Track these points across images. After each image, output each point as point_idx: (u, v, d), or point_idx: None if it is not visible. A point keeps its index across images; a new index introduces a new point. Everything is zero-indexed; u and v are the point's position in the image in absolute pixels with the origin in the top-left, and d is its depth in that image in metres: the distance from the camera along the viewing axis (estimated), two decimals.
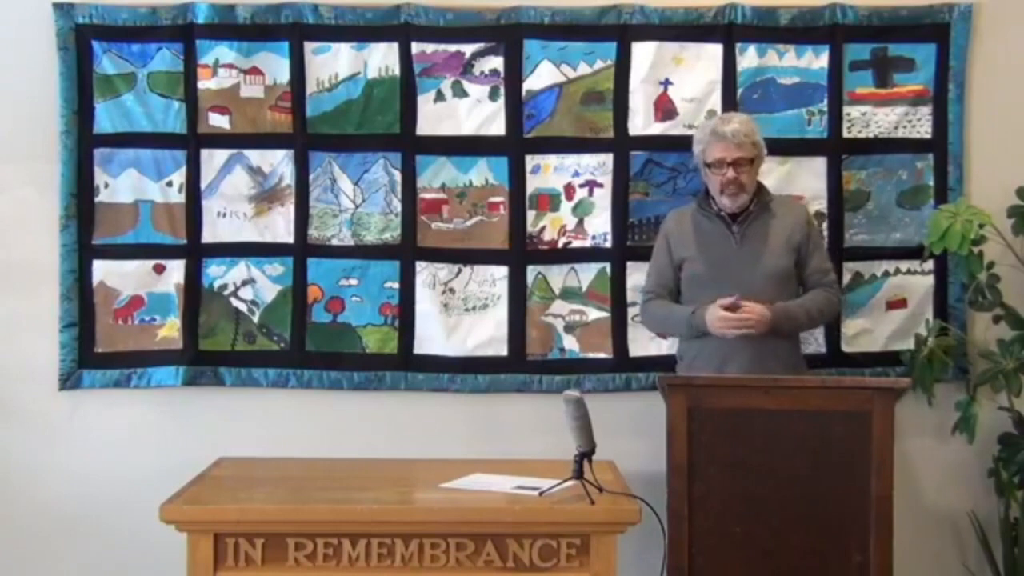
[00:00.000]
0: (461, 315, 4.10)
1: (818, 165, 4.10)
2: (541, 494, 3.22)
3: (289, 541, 3.13)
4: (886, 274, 4.12)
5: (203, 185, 4.07)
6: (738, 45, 4.08)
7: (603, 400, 3.88)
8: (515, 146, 4.09)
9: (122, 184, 4.05)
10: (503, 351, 4.09)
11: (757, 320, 3.55)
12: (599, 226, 4.10)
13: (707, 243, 3.73)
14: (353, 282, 4.09)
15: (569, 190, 4.11)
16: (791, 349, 3.73)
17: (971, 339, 4.06)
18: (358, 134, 4.08)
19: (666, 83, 4.09)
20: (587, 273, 4.11)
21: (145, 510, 3.25)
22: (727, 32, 4.08)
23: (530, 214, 4.10)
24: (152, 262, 4.06)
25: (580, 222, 4.11)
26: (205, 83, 4.05)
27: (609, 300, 4.09)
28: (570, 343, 4.11)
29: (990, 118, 4.12)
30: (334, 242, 4.09)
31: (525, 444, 3.99)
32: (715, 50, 4.09)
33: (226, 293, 4.08)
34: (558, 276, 4.11)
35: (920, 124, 4.12)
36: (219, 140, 4.07)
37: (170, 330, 4.06)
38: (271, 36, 4.06)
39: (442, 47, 4.08)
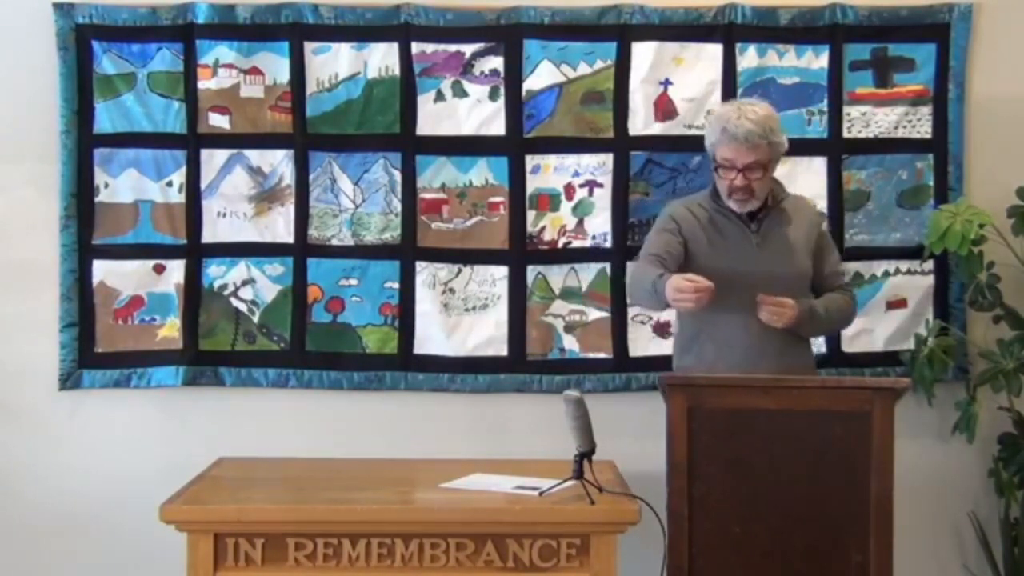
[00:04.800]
0: (461, 315, 4.10)
1: (818, 165, 4.11)
2: (541, 494, 3.22)
3: (289, 541, 3.13)
4: (886, 274, 4.12)
5: (203, 185, 4.07)
6: (738, 45, 4.08)
7: (603, 400, 3.88)
8: (515, 146, 4.09)
9: (122, 184, 4.05)
10: (503, 351, 4.09)
11: (790, 313, 3.35)
12: (599, 226, 4.10)
13: (725, 244, 3.47)
14: (353, 282, 4.09)
15: (569, 190, 4.11)
16: (809, 356, 3.58)
17: (971, 339, 4.06)
18: (358, 134, 4.08)
19: (666, 83, 4.09)
20: (587, 273, 4.11)
21: (145, 510, 3.25)
22: (727, 32, 4.08)
23: (530, 214, 4.10)
24: (152, 262, 4.06)
25: (580, 222, 4.11)
26: (205, 83, 4.05)
27: (609, 300, 4.09)
28: (570, 343, 4.11)
29: (990, 118, 4.12)
30: (334, 242, 4.09)
31: (525, 444, 3.99)
32: (715, 50, 4.09)
33: (226, 293, 4.08)
34: (558, 276, 4.11)
35: (920, 124, 4.12)
36: (219, 140, 4.06)
37: (170, 330, 4.06)
38: (271, 36, 4.05)
39: (442, 47, 4.08)
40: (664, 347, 4.07)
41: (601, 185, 4.10)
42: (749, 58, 4.09)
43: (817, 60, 4.10)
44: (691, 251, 3.48)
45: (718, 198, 3.51)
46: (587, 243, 4.10)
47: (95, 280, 4.04)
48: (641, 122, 4.09)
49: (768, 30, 4.08)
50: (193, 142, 4.06)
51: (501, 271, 4.09)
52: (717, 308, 3.35)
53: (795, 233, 3.52)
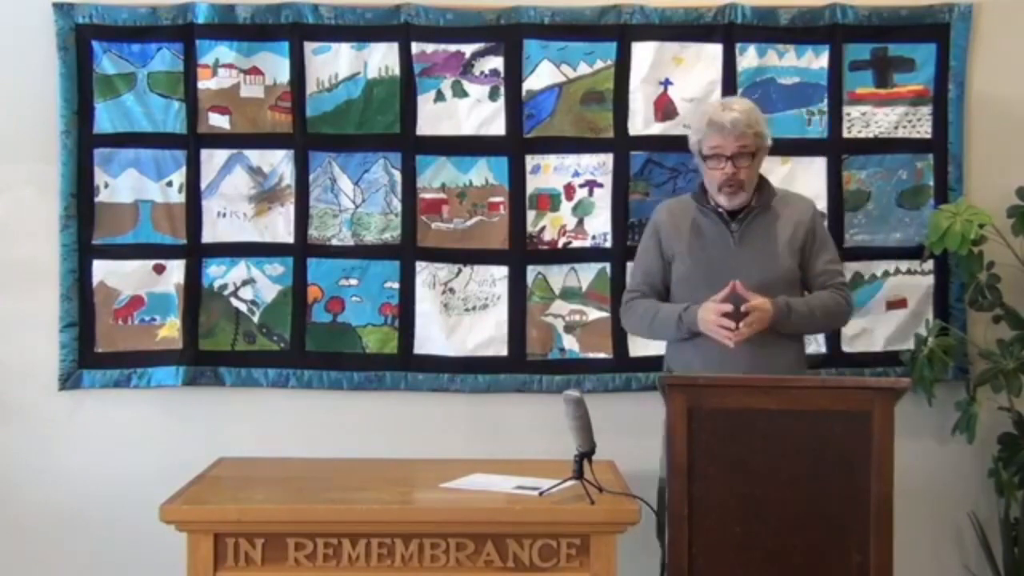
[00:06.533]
0: (461, 315, 4.10)
1: (818, 165, 4.10)
2: (541, 494, 3.22)
3: (289, 541, 3.13)
4: (886, 274, 4.12)
5: (203, 185, 4.07)
6: (738, 45, 4.08)
7: (603, 400, 3.88)
8: (515, 146, 4.09)
9: (122, 184, 4.06)
10: (503, 351, 4.09)
11: (759, 316, 3.36)
12: (599, 226, 4.10)
13: (702, 241, 3.52)
14: (353, 282, 4.09)
15: (569, 190, 4.11)
16: (795, 353, 3.53)
17: (971, 339, 4.06)
18: (358, 134, 4.08)
19: (666, 83, 4.09)
20: (587, 273, 4.11)
21: (145, 510, 3.25)
22: (727, 32, 4.08)
23: (530, 214, 4.10)
24: (152, 262, 4.06)
25: (580, 222, 4.11)
26: (205, 83, 4.05)
27: (609, 300, 4.09)
28: (570, 343, 4.11)
29: (990, 118, 4.12)
30: (334, 242, 4.09)
31: (525, 444, 3.99)
32: (715, 50, 4.09)
33: (226, 293, 4.08)
34: (558, 276, 4.11)
35: (920, 124, 4.12)
36: (219, 140, 4.07)
37: (170, 330, 4.06)
38: (271, 36, 4.06)
39: (442, 47, 4.08)
40: (663, 348, 4.08)
41: (601, 185, 4.10)
42: (749, 58, 4.09)
43: (817, 60, 4.10)
44: (670, 252, 3.56)
45: (702, 197, 3.55)
46: (587, 243, 4.10)
47: (95, 280, 4.04)
48: (641, 122, 4.09)
49: (768, 30, 4.08)
50: (193, 142, 4.06)
51: (501, 271, 4.10)
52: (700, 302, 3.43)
53: (779, 232, 3.52)
